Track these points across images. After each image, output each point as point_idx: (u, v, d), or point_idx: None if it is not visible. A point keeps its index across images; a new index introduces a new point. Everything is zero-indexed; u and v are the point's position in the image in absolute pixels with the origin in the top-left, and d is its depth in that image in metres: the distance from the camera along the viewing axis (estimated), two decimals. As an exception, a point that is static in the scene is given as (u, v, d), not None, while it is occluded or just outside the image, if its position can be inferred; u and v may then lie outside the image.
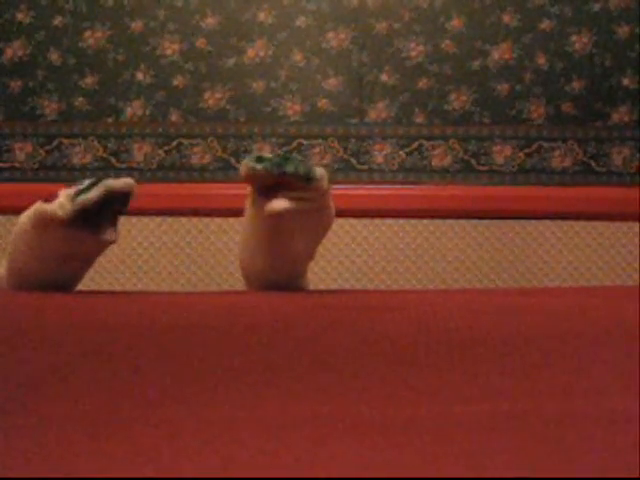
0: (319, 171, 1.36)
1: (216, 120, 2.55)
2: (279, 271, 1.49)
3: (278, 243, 1.44)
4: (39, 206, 1.36)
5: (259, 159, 1.35)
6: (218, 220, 2.51)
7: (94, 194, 1.31)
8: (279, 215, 1.34)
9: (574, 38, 2.54)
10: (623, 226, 2.51)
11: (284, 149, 2.54)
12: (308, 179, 1.34)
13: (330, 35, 2.55)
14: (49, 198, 1.36)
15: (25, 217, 1.41)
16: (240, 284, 2.50)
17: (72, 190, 1.33)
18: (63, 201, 1.32)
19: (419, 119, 2.55)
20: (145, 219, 2.49)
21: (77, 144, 2.56)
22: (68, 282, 1.47)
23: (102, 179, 1.35)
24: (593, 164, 2.55)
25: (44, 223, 1.36)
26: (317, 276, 2.47)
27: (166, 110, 2.55)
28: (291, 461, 0.58)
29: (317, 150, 2.55)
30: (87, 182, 1.36)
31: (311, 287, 1.72)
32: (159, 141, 2.56)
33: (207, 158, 2.55)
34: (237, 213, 2.33)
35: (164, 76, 2.55)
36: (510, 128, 2.54)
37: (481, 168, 2.55)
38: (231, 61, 2.55)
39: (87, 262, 1.47)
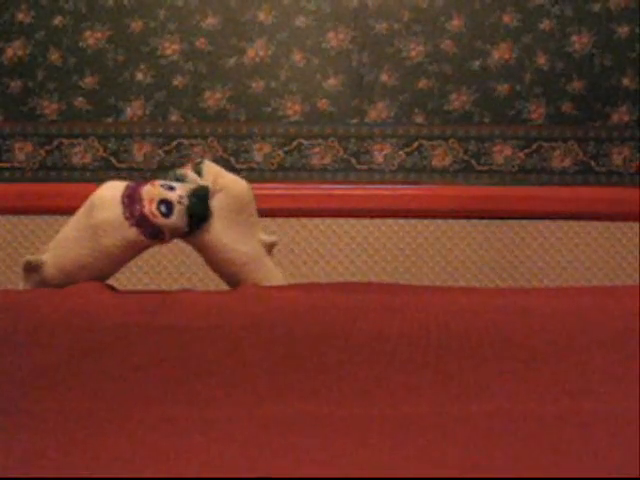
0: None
1: (216, 120, 2.55)
2: None
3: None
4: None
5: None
6: (218, 220, 2.50)
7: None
8: None
9: (574, 38, 2.54)
10: (623, 226, 2.51)
11: (284, 149, 2.54)
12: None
13: (330, 35, 2.55)
14: (132, 194, 1.58)
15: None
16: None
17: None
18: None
19: (419, 119, 2.54)
20: (145, 219, 2.49)
21: (77, 144, 2.56)
22: (114, 274, 1.68)
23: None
24: (593, 164, 2.55)
25: None
26: (317, 276, 2.47)
27: (166, 110, 2.55)
28: (291, 461, 0.58)
29: (317, 150, 2.55)
30: (178, 188, 1.61)
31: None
32: (159, 141, 2.56)
33: (207, 158, 2.55)
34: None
35: (164, 76, 2.55)
36: (510, 128, 2.54)
37: (481, 168, 2.55)
38: (231, 61, 2.55)
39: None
